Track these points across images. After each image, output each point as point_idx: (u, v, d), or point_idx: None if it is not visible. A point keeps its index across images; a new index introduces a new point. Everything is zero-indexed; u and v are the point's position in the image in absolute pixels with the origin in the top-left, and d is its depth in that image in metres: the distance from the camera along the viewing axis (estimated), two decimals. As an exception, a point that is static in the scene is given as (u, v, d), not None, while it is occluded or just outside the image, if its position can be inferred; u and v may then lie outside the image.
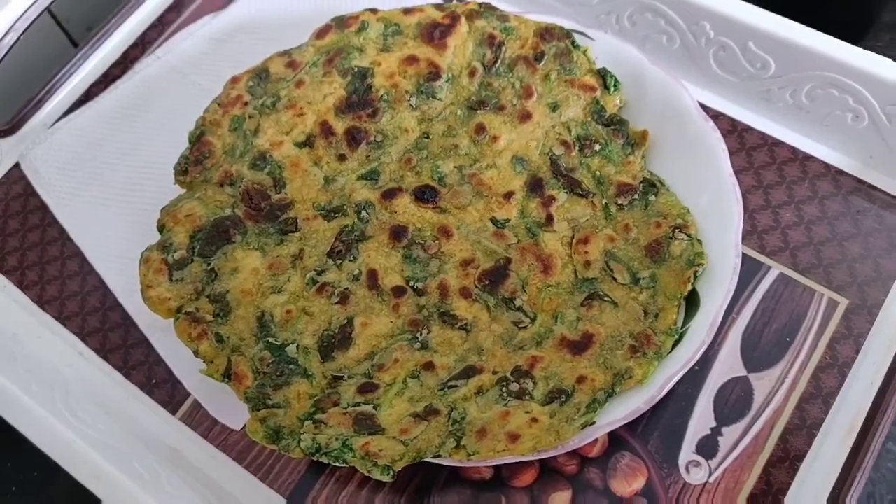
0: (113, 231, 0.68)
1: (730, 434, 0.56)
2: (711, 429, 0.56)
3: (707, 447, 0.55)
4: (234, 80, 0.65)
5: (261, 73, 0.65)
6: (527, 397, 0.52)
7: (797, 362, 0.57)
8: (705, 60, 0.68)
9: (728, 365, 0.58)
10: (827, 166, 0.64)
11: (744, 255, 0.61)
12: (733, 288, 0.54)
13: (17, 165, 0.74)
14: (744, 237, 0.61)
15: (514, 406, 0.51)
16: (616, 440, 0.56)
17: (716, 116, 0.67)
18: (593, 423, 0.50)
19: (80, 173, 0.72)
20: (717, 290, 0.54)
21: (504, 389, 0.52)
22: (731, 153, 0.63)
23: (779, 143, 0.66)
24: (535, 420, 0.50)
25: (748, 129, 0.67)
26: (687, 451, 0.55)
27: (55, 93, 0.77)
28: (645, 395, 0.51)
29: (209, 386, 0.60)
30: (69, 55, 0.79)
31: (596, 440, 0.56)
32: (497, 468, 0.56)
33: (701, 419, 0.56)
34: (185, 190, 0.62)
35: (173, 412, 0.61)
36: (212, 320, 0.55)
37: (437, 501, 0.55)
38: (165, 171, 0.64)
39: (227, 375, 0.54)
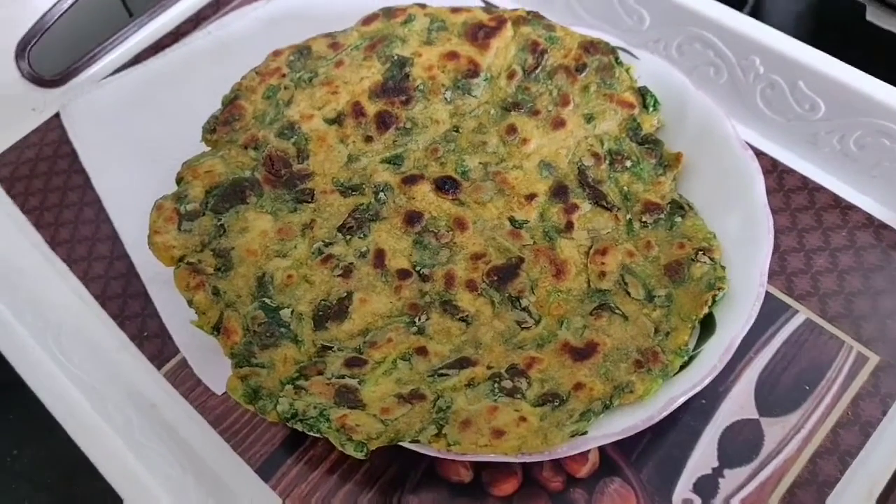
0: (134, 186, 0.68)
1: (732, 477, 0.52)
2: (713, 468, 0.52)
3: (706, 487, 0.51)
4: (276, 53, 0.66)
5: (302, 50, 0.65)
6: (518, 396, 0.49)
7: (816, 413, 0.54)
8: (752, 97, 0.66)
9: (739, 404, 0.54)
10: (870, 218, 0.61)
11: (770, 295, 0.58)
12: (754, 316, 0.51)
13: (57, 115, 0.75)
14: (772, 276, 0.58)
15: (503, 403, 0.48)
16: (608, 463, 0.52)
17: (757, 155, 0.65)
18: (585, 433, 0.47)
19: (114, 129, 0.72)
20: (735, 317, 0.51)
21: (496, 385, 0.49)
22: (768, 192, 0.61)
23: (820, 188, 0.63)
24: (523, 419, 0.47)
25: (789, 170, 0.64)
26: (683, 488, 0.52)
27: (105, 54, 0.79)
28: (643, 414, 0.48)
29: (198, 346, 0.58)
30: (124, 23, 0.80)
31: (586, 459, 0.53)
32: (478, 472, 0.53)
33: (703, 456, 0.53)
34: (209, 149, 0.62)
35: (158, 367, 0.59)
36: (212, 273, 0.54)
37: (409, 498, 0.52)
38: (197, 138, 0.64)
39: (217, 329, 0.52)
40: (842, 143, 0.63)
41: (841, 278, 0.59)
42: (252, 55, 0.74)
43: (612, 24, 0.72)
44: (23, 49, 0.75)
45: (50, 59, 0.77)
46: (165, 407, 0.58)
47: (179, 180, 0.59)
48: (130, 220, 0.66)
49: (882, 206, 0.62)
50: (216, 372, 0.57)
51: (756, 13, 0.77)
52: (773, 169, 0.65)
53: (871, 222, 0.61)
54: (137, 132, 0.71)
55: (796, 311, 0.57)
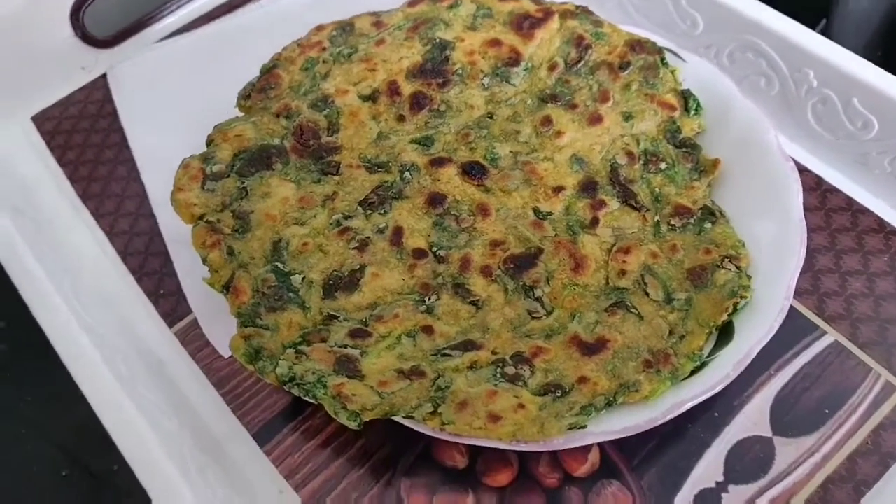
0: (168, 149, 0.69)
1: (737, 494, 0.50)
2: (717, 483, 0.51)
3: (707, 500, 0.50)
4: (319, 28, 0.67)
5: (346, 26, 0.67)
6: (520, 383, 0.48)
7: (833, 438, 0.52)
8: (802, 111, 0.65)
9: (753, 421, 0.53)
10: (916, 245, 0.59)
11: (799, 313, 0.57)
12: (775, 329, 0.49)
13: (104, 76, 0.78)
14: (803, 295, 0.57)
15: (503, 388, 0.48)
16: (608, 464, 0.52)
17: (802, 171, 0.64)
18: (584, 427, 0.46)
19: (156, 93, 0.75)
20: (756, 328, 0.50)
21: (499, 370, 0.49)
22: (807, 209, 0.60)
23: (865, 210, 0.61)
24: (521, 406, 0.47)
25: (833, 190, 0.63)
26: (683, 499, 0.50)
27: (158, 20, 0.82)
28: (647, 415, 0.47)
29: (210, 308, 0.60)
30: (180, -7, 0.83)
31: (586, 459, 0.52)
32: (473, 460, 0.52)
33: (708, 469, 0.51)
34: (242, 114, 0.63)
35: (170, 325, 0.61)
36: (229, 234, 0.55)
37: (401, 478, 0.52)
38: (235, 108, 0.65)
39: (227, 288, 0.53)
40: (893, 166, 0.61)
41: (877, 304, 0.57)
42: (300, 30, 0.76)
43: (665, 28, 0.72)
44: (77, 9, 0.78)
45: (103, 20, 0.80)
46: (172, 364, 0.59)
47: (209, 142, 0.61)
48: (159, 181, 0.67)
49: (932, 235, 0.60)
50: (224, 335, 0.58)
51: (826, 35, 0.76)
52: (816, 187, 0.63)
53: (917, 250, 0.59)
54: (178, 98, 0.74)
55: (825, 333, 0.56)
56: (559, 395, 0.48)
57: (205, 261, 0.54)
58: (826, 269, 0.59)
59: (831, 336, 0.56)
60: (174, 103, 0.74)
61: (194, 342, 0.60)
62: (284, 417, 0.56)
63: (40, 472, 0.60)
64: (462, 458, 0.53)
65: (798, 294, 0.58)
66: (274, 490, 0.53)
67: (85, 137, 0.73)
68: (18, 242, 0.59)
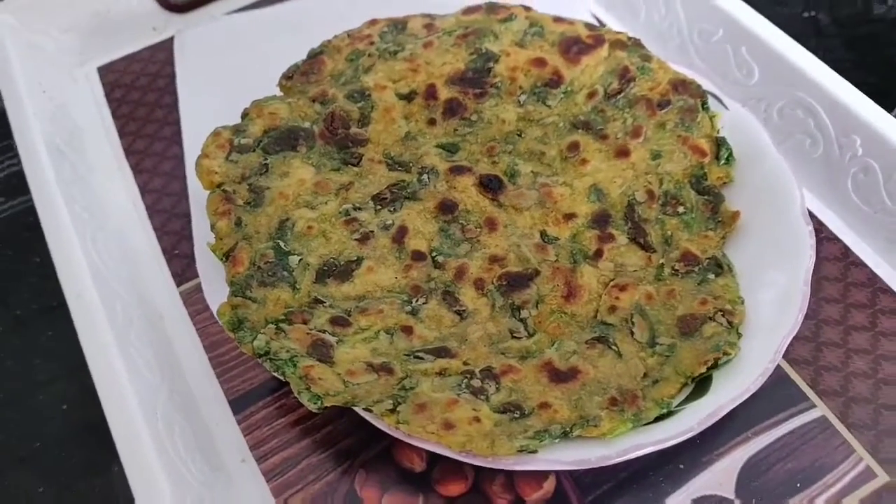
0: (213, 118, 0.73)
1: (687, 552, 0.51)
2: (669, 536, 0.52)
3: (655, 552, 0.51)
4: (373, 22, 0.71)
5: (398, 24, 0.70)
6: (482, 397, 0.50)
7: (799, 515, 0.52)
8: (843, 178, 0.65)
9: (718, 480, 0.53)
10: (933, 336, 0.59)
11: (792, 382, 0.57)
12: (751, 391, 0.50)
13: (171, 38, 0.84)
14: (801, 364, 0.57)
15: (465, 399, 0.50)
16: (561, 496, 0.53)
17: (831, 239, 0.64)
18: (534, 451, 0.48)
19: (214, 63, 0.80)
20: (732, 387, 0.50)
21: (465, 381, 0.51)
22: (827, 279, 0.61)
23: (887, 290, 0.61)
24: (477, 419, 0.49)
25: (860, 264, 0.62)
26: (631, 546, 0.52)
27: (233, -7, 0.87)
28: (600, 451, 0.48)
29: (215, 274, 0.63)
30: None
31: (541, 486, 0.54)
32: (431, 466, 0.55)
33: (662, 521, 0.52)
34: (282, 94, 0.67)
35: (178, 284, 0.65)
36: (241, 205, 0.59)
37: (358, 470, 0.55)
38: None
39: (227, 256, 0.57)
40: (923, 249, 0.60)
41: (877, 387, 0.56)
42: (358, 22, 0.80)
43: (722, 75, 0.73)
44: (159, -29, 0.85)
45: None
46: (171, 321, 0.63)
47: (244, 115, 0.65)
48: (197, 147, 0.71)
49: (954, 328, 0.59)
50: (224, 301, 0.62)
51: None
52: (842, 258, 0.63)
53: (933, 339, 0.58)
54: (233, 70, 0.78)
55: (814, 406, 0.56)
56: (517, 415, 0.50)
57: (213, 227, 0.58)
58: (832, 342, 0.59)
59: (820, 410, 0.56)
60: (228, 74, 0.78)
61: (196, 304, 0.64)
62: (262, 391, 0.59)
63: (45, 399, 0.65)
64: (420, 463, 0.55)
65: (796, 362, 0.58)
66: (237, 458, 0.57)
67: (141, 95, 0.79)
68: (51, 181, 0.64)
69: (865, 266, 0.62)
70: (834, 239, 0.64)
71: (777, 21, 0.92)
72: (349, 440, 0.56)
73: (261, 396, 0.59)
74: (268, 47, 0.81)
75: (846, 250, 0.63)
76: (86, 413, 0.60)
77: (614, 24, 0.81)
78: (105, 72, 0.82)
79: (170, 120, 0.76)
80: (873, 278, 0.62)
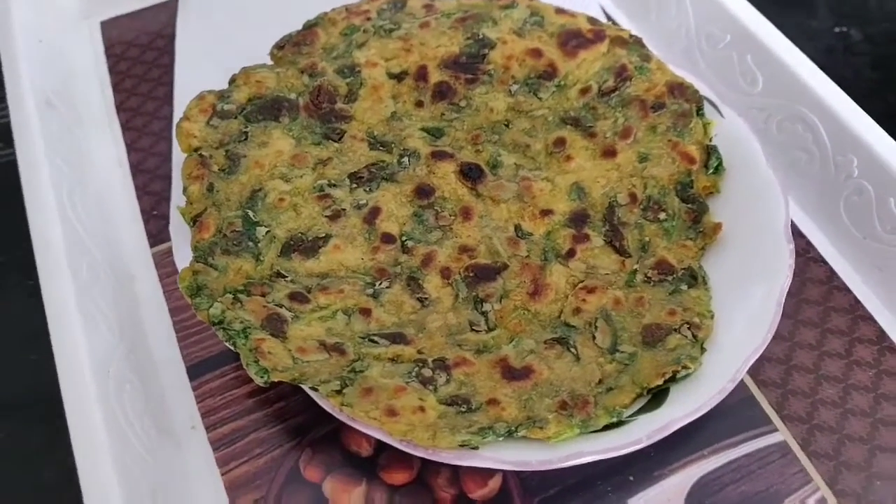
0: (206, 81, 0.73)
1: (627, 565, 0.50)
2: (610, 547, 0.51)
3: (595, 562, 0.50)
4: (373, -2, 0.70)
5: (398, 2, 0.69)
6: (430, 387, 0.49)
7: (747, 540, 0.51)
8: (836, 199, 0.63)
9: (667, 496, 0.52)
10: (911, 369, 0.57)
11: (756, 403, 0.55)
12: (705, 409, 0.48)
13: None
14: (769, 387, 0.56)
15: (413, 388, 0.49)
16: (506, 496, 0.52)
17: (817, 261, 0.62)
18: (475, 448, 0.47)
19: (216, 26, 0.79)
20: (687, 402, 0.49)
21: (416, 369, 0.50)
22: (808, 302, 0.59)
23: (868, 318, 0.59)
24: (422, 409, 0.48)
25: (843, 289, 0.60)
26: (571, 553, 0.50)
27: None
28: (543, 455, 0.47)
29: (187, 238, 0.63)
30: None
31: (486, 484, 0.53)
32: (378, 453, 0.54)
33: (606, 530, 0.51)
34: (272, 63, 0.67)
35: (151, 245, 0.65)
36: (215, 171, 0.58)
37: (305, 448, 0.54)
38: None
39: (195, 221, 0.56)
40: (913, 280, 0.58)
41: (844, 417, 0.55)
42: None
43: (725, 81, 0.71)
44: (171, -71, 0.84)
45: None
46: (140, 281, 0.63)
47: (232, 81, 0.64)
48: (187, 109, 0.72)
49: (933, 362, 0.57)
50: (193, 266, 0.62)
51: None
52: (826, 281, 0.61)
53: (909, 374, 0.56)
54: (233, 35, 0.77)
55: (776, 430, 0.54)
56: (464, 409, 0.49)
57: (185, 191, 0.58)
58: (803, 366, 0.57)
59: (782, 435, 0.54)
60: (228, 39, 0.77)
61: (167, 267, 0.63)
62: (221, 360, 0.58)
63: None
64: (367, 448, 0.54)
65: (764, 384, 0.56)
66: (187, 424, 0.56)
67: (140, 52, 0.79)
68: (35, 132, 0.64)
69: (849, 292, 0.60)
70: (820, 261, 0.62)
71: (806, 34, 0.90)
72: (300, 418, 0.56)
73: (218, 365, 0.58)
74: (272, 14, 0.79)
75: (832, 274, 0.61)
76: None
77: (623, 21, 0.79)
78: (108, 26, 0.81)
79: (165, 80, 0.76)
80: (855, 305, 0.60)
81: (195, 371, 0.58)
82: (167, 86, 0.75)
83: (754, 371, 0.57)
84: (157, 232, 0.66)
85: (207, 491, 0.53)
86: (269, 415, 0.56)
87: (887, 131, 0.60)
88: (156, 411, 0.56)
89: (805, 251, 0.63)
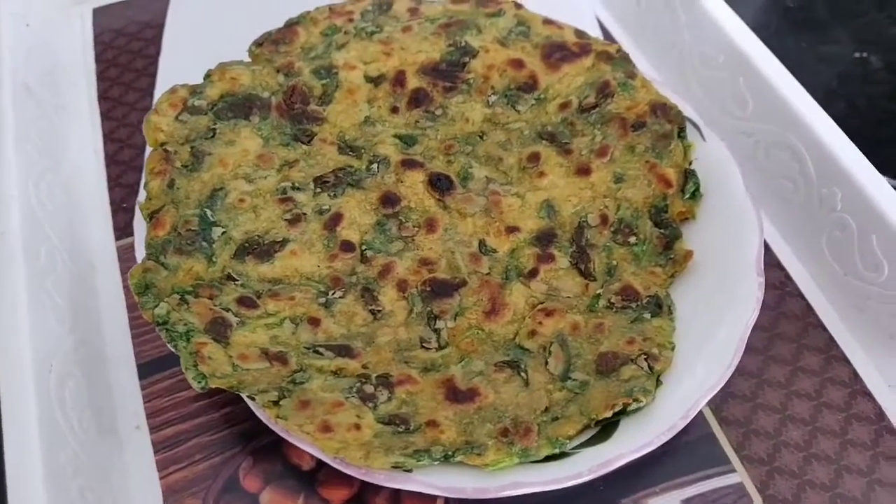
0: (188, 75, 0.72)
1: None
2: (549, 581, 0.49)
3: None
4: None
5: (382, 4, 0.67)
6: (370, 404, 0.48)
7: (691, 584, 0.48)
8: (818, 232, 0.60)
9: (613, 532, 0.50)
10: (881, 415, 0.54)
11: (716, 441, 0.53)
12: (654, 445, 0.46)
13: (170, -11, 0.82)
14: (731, 425, 0.54)
15: (352, 404, 0.48)
16: (444, 520, 0.50)
17: (795, 295, 0.60)
18: (409, 471, 0.45)
19: (204, 18, 0.79)
20: (635, 437, 0.47)
21: (358, 385, 0.49)
22: (781, 338, 0.57)
23: (842, 359, 0.56)
24: (357, 427, 0.46)
25: (819, 326, 0.58)
26: (508, 585, 0.48)
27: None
28: (479, 483, 0.45)
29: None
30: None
31: (425, 506, 0.51)
32: (318, 467, 0.52)
33: (545, 564, 0.49)
34: (249, 60, 0.65)
35: (117, 238, 0.64)
36: (179, 168, 0.57)
37: (246, 457, 0.53)
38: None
39: (152, 217, 0.55)
40: (890, 322, 0.56)
41: (807, 462, 0.52)
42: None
43: (715, 102, 0.68)
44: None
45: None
46: (102, 274, 0.62)
47: (207, 76, 0.63)
48: (169, 100, 0.70)
49: (904, 410, 0.54)
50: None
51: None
52: (802, 317, 0.58)
53: (879, 419, 0.54)
54: (225, 29, 0.76)
55: (733, 471, 0.52)
56: (401, 430, 0.47)
57: (145, 185, 0.57)
58: (770, 406, 0.54)
59: (739, 476, 0.52)
60: (217, 33, 0.76)
61: (129, 261, 0.62)
62: (172, 360, 0.56)
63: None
64: (309, 461, 0.53)
65: (726, 421, 0.54)
66: (132, 423, 0.55)
67: (127, 41, 0.78)
68: (7, 117, 0.63)
69: (825, 330, 0.58)
70: (798, 295, 0.60)
71: (824, 58, 0.87)
72: (245, 425, 0.54)
73: (169, 365, 0.57)
74: (263, 10, 0.78)
75: (808, 310, 0.59)
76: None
77: (619, 34, 0.77)
78: (100, 13, 0.81)
79: (149, 71, 0.75)
80: (830, 344, 0.57)
81: (145, 370, 0.57)
82: (151, 77, 0.74)
83: (717, 407, 0.55)
84: (123, 225, 0.65)
85: (143, 494, 0.52)
86: (215, 420, 0.55)
87: (893, 160, 0.58)
88: (100, 408, 0.55)
89: (783, 284, 0.60)
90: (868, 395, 0.55)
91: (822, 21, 0.99)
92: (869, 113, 0.87)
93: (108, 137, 0.70)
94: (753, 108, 0.65)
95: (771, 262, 0.62)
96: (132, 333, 0.59)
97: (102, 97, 0.73)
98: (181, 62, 0.75)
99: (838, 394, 0.55)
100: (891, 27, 0.97)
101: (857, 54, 0.94)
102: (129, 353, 0.58)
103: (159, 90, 0.72)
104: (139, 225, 0.60)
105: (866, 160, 0.58)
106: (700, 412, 0.53)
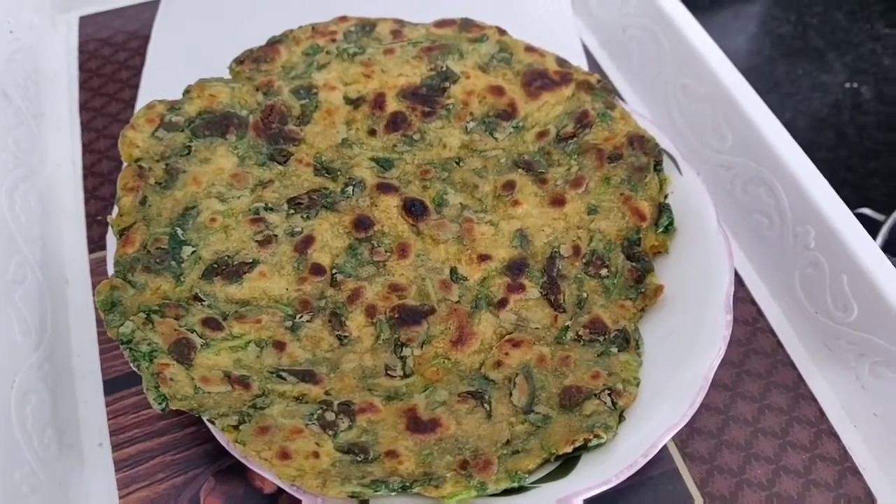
0: (171, 88, 0.72)
1: None
2: None
3: None
4: (342, 19, 0.68)
5: (367, 26, 0.68)
6: (330, 432, 0.48)
7: None
8: (792, 270, 0.60)
9: (570, 566, 0.50)
10: (844, 455, 0.54)
11: (679, 477, 0.54)
12: (612, 483, 0.47)
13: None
14: (696, 461, 0.54)
15: (311, 431, 0.48)
16: (403, 550, 0.50)
17: (766, 332, 0.60)
18: (365, 501, 0.46)
19: (191, 31, 0.79)
20: (595, 474, 0.47)
21: (319, 412, 0.49)
22: (750, 374, 0.57)
23: (809, 398, 0.57)
24: (316, 455, 0.46)
25: (788, 364, 0.58)
26: None
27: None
28: (436, 514, 0.46)
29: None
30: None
31: (383, 534, 0.51)
32: (280, 491, 0.53)
33: None
34: (230, 77, 0.66)
35: (90, 251, 0.64)
36: (152, 184, 0.58)
37: (208, 477, 0.53)
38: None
39: (122, 234, 0.56)
40: (857, 363, 0.56)
41: (769, 501, 0.52)
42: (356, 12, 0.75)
43: (696, 135, 0.69)
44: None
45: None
46: (74, 287, 0.63)
47: (186, 92, 0.63)
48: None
49: (868, 451, 0.55)
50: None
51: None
52: (772, 354, 0.59)
53: (843, 460, 0.54)
54: (211, 44, 0.76)
55: (694, 509, 0.52)
56: (360, 459, 0.47)
57: (117, 201, 0.57)
58: (735, 443, 0.55)
59: (700, 515, 0.52)
60: (202, 47, 0.77)
61: (102, 275, 0.63)
62: (139, 377, 0.57)
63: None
64: (270, 486, 0.53)
65: (691, 457, 0.54)
66: (95, 440, 0.55)
67: (113, 52, 0.78)
68: (-18, 124, 0.64)
69: (794, 368, 0.58)
70: (769, 332, 0.60)
71: (815, 87, 0.88)
72: (208, 446, 0.55)
73: (135, 382, 0.57)
74: (250, 26, 0.79)
75: (778, 346, 0.59)
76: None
77: (605, 62, 0.78)
78: (87, 22, 0.81)
79: (132, 83, 0.75)
80: (798, 383, 0.58)
81: (111, 386, 0.58)
82: (134, 88, 0.75)
83: (682, 443, 0.55)
84: (98, 238, 0.65)
85: (102, 513, 0.52)
86: (179, 439, 0.55)
87: (878, 192, 0.58)
88: (63, 424, 0.55)
89: (755, 320, 0.61)
90: (833, 434, 0.55)
91: (815, 49, 1.00)
92: (858, 143, 0.88)
93: (86, 148, 0.71)
94: (733, 142, 0.65)
95: (744, 298, 0.62)
96: (100, 349, 0.59)
97: (83, 107, 0.74)
98: (165, 75, 0.75)
99: (804, 433, 0.55)
100: (884, 58, 0.98)
101: (848, 84, 0.95)
102: (97, 368, 0.58)
103: (140, 102, 0.73)
104: (112, 239, 0.60)
105: (840, 200, 0.58)
106: (665, 447, 0.54)
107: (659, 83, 0.73)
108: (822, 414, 0.56)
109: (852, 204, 0.59)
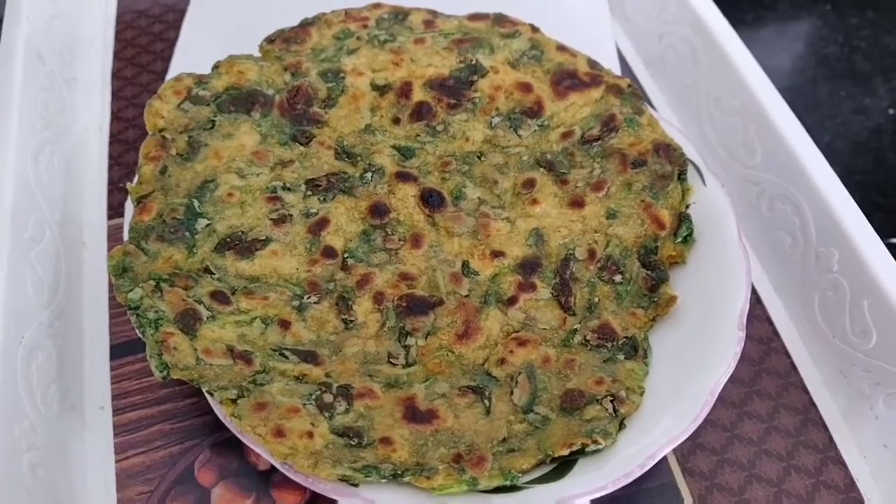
0: (202, 63, 0.73)
1: None
2: None
3: None
4: (376, 6, 0.69)
5: (399, 14, 0.68)
6: (326, 414, 0.48)
7: None
8: (811, 291, 0.59)
9: (558, 571, 0.50)
10: (851, 485, 0.53)
11: (677, 492, 0.53)
12: (606, 490, 0.46)
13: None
14: (695, 476, 0.54)
15: (308, 411, 0.48)
16: (390, 538, 0.50)
17: (780, 353, 0.59)
18: (355, 485, 0.46)
19: (230, 9, 0.79)
20: (591, 479, 0.47)
21: (317, 392, 0.49)
22: (759, 395, 0.56)
23: (820, 424, 0.56)
24: (310, 435, 0.47)
25: (800, 387, 0.58)
26: None
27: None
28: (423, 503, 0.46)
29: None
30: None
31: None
32: (275, 468, 0.53)
33: None
34: (259, 55, 0.66)
35: (109, 217, 0.65)
36: (174, 155, 0.58)
37: (203, 449, 0.54)
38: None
39: (140, 201, 0.56)
40: (872, 392, 0.55)
41: (767, 524, 0.52)
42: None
43: (725, 147, 0.68)
44: None
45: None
46: (90, 250, 0.64)
47: (215, 67, 0.64)
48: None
49: (874, 483, 0.54)
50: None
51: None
52: (784, 375, 0.58)
53: (848, 490, 0.53)
54: (245, 21, 0.77)
55: (690, 526, 0.52)
56: (353, 443, 0.47)
57: (138, 169, 0.58)
58: (738, 462, 0.54)
59: (695, 532, 0.51)
60: (237, 24, 0.78)
61: (118, 241, 0.63)
62: (145, 344, 0.58)
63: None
64: (265, 462, 0.53)
65: (691, 473, 0.54)
66: (97, 403, 0.56)
67: (150, 23, 0.79)
68: (16, 86, 0.64)
69: (806, 392, 0.57)
70: (783, 353, 0.59)
71: (858, 110, 0.87)
72: (207, 417, 0.55)
73: (142, 349, 0.57)
74: (285, 6, 0.79)
75: (791, 369, 0.58)
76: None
77: (639, 68, 0.77)
78: (128, -7, 0.83)
79: (165, 55, 0.76)
80: (808, 407, 0.57)
81: (118, 351, 0.58)
82: (167, 61, 0.76)
83: (683, 457, 0.54)
84: (118, 205, 0.66)
85: (96, 476, 0.53)
86: (180, 408, 0.56)
87: None
88: (68, 385, 0.56)
89: (769, 339, 0.60)
90: (841, 463, 0.54)
91: (860, 73, 0.98)
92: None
93: (115, 116, 0.72)
94: (762, 158, 0.64)
95: (760, 316, 0.61)
96: (110, 313, 0.60)
97: (116, 75, 0.75)
98: (197, 50, 0.76)
99: (810, 458, 0.54)
100: (932, 90, 0.96)
101: (892, 110, 0.93)
102: (105, 331, 0.59)
103: (171, 75, 0.73)
104: (130, 207, 0.61)
105: (867, 223, 0.57)
106: (665, 460, 0.54)
107: (692, 93, 0.72)
108: (831, 441, 0.55)
109: (885, 230, 0.58)
